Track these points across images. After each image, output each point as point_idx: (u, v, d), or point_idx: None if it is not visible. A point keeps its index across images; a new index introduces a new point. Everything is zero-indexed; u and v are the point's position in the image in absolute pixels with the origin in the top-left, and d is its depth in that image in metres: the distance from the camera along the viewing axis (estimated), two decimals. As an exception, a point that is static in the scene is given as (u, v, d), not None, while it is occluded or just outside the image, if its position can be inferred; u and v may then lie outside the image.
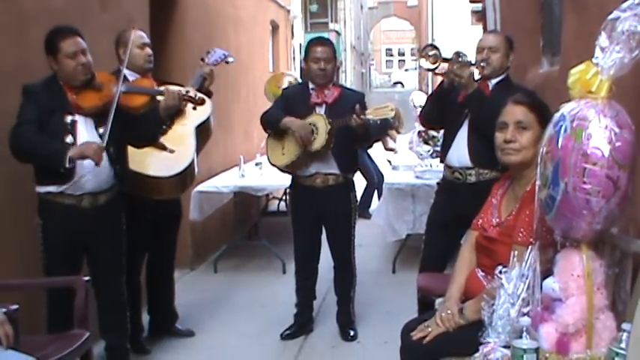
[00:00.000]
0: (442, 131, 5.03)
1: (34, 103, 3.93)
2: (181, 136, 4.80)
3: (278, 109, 5.17)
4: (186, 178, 4.90)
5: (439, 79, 4.87)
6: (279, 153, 5.14)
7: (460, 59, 4.46)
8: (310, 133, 4.95)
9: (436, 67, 4.57)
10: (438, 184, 5.04)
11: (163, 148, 4.73)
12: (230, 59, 5.20)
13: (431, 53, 4.55)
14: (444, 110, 4.69)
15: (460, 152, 4.59)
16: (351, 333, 5.36)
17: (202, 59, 5.08)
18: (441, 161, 4.85)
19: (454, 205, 4.55)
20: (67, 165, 3.74)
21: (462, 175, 4.60)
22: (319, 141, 4.94)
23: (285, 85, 8.38)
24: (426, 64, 4.59)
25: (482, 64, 4.52)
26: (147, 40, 4.90)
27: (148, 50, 4.84)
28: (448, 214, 4.64)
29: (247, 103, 8.15)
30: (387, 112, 4.90)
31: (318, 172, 5.11)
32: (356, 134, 4.95)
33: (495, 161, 3.40)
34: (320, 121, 4.96)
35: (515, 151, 3.12)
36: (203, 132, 5.06)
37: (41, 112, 3.91)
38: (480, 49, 4.58)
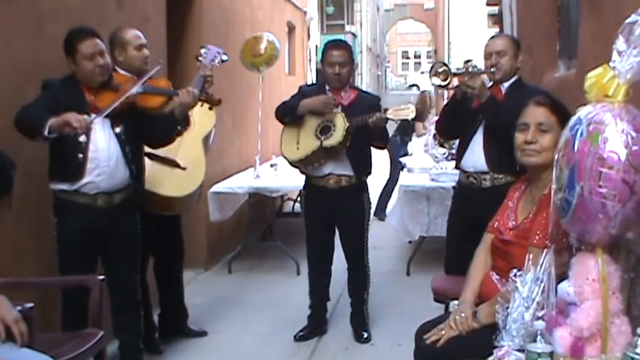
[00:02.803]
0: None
1: (51, 94, 3.96)
2: (191, 150, 4.82)
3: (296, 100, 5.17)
4: (197, 194, 5.08)
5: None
6: (294, 147, 5.13)
7: (470, 70, 4.48)
8: (333, 102, 4.99)
9: (448, 84, 4.56)
10: (453, 188, 5.04)
11: (176, 165, 4.75)
12: (224, 57, 4.89)
13: (440, 70, 4.54)
14: (459, 120, 4.68)
15: (475, 157, 4.58)
16: (365, 335, 5.36)
17: (197, 58, 4.76)
18: (456, 167, 4.84)
19: (469, 209, 4.54)
20: (46, 134, 3.66)
21: (476, 180, 4.59)
22: (336, 137, 4.93)
23: (262, 50, 8.17)
24: (437, 81, 4.57)
25: (491, 69, 4.52)
26: (144, 40, 4.70)
27: (145, 51, 4.68)
28: (465, 218, 4.63)
29: (262, 104, 8.13)
30: (408, 114, 4.94)
31: (332, 172, 5.11)
32: (372, 134, 4.95)
33: (510, 166, 3.37)
34: (338, 119, 4.97)
35: (536, 152, 3.10)
36: (206, 141, 5.12)
37: (58, 109, 3.92)
38: (487, 55, 4.57)
